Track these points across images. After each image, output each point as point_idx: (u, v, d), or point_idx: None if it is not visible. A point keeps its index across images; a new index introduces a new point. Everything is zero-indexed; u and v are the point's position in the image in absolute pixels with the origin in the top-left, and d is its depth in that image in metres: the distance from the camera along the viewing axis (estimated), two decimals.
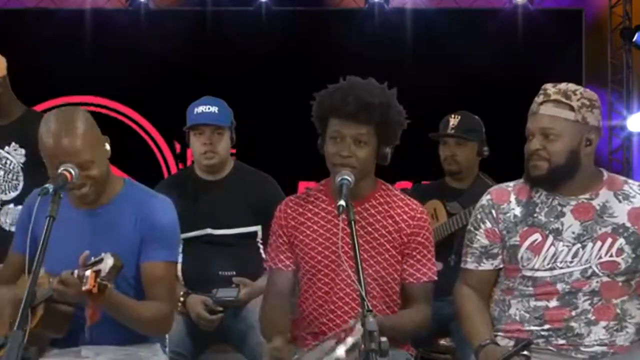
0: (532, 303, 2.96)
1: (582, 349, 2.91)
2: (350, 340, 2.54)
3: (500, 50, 7.52)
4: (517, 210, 3.00)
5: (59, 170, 2.81)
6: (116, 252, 2.84)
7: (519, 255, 2.97)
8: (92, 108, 6.98)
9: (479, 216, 3.06)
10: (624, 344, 2.93)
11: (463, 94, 6.83)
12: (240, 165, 4.24)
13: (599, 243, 2.92)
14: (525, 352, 2.82)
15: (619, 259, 2.91)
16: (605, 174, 3.02)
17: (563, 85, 2.94)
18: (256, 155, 5.16)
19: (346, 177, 2.88)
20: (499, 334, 3.01)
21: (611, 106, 7.73)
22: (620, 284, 2.93)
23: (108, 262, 2.66)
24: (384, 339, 2.45)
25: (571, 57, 7.59)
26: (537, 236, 2.96)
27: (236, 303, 3.87)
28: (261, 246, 3.99)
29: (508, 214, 3.01)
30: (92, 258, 2.72)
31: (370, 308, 2.52)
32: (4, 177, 4.05)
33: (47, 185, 2.70)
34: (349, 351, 2.54)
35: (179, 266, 3.86)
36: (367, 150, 3.02)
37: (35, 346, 2.86)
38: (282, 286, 3.16)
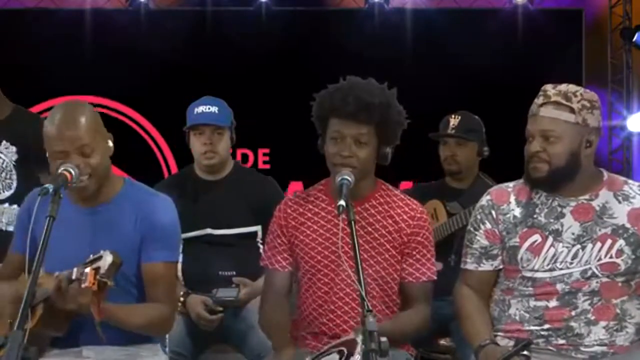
0: (532, 303, 2.96)
1: (582, 349, 2.91)
2: (357, 358, 2.53)
3: (500, 50, 7.52)
4: (517, 211, 3.00)
5: (59, 170, 2.81)
6: (116, 250, 2.85)
7: (519, 256, 2.97)
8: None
9: (478, 217, 3.06)
10: (624, 344, 2.93)
11: (463, 94, 6.83)
12: (240, 165, 4.24)
13: (598, 244, 2.91)
14: (525, 352, 2.82)
15: (618, 260, 2.91)
16: (605, 174, 3.01)
17: (563, 87, 2.93)
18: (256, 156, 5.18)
19: (346, 177, 2.88)
20: (499, 334, 3.01)
21: (611, 106, 7.73)
22: (620, 284, 2.93)
23: (107, 259, 2.66)
24: (384, 339, 2.45)
25: (571, 57, 7.59)
26: (536, 237, 2.96)
27: (236, 303, 3.87)
28: (261, 246, 3.98)
29: (508, 215, 3.01)
30: (91, 255, 2.72)
31: (370, 308, 2.52)
32: None
33: (47, 185, 2.70)
34: None
35: (179, 266, 3.86)
36: (367, 150, 3.02)
37: (36, 346, 2.85)
38: (279, 286, 3.16)
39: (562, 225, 2.94)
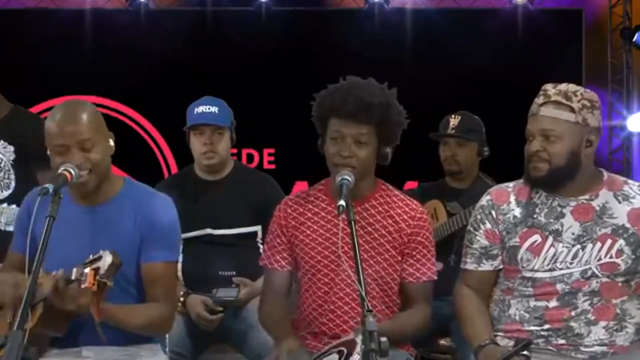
0: (532, 303, 2.95)
1: (582, 349, 2.91)
2: (356, 358, 2.54)
3: (500, 50, 7.52)
4: (517, 211, 3.00)
5: (59, 170, 2.82)
6: (116, 251, 2.85)
7: (519, 256, 2.96)
8: None
9: (478, 217, 3.06)
10: (624, 344, 2.93)
11: (463, 94, 6.83)
12: (240, 165, 4.24)
13: (598, 244, 2.91)
14: (525, 352, 2.81)
15: (618, 260, 2.91)
16: (605, 174, 3.01)
17: (563, 86, 2.93)
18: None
19: (346, 177, 2.88)
20: (499, 334, 3.01)
21: (611, 106, 7.73)
22: (620, 284, 2.93)
23: (107, 259, 2.66)
24: (384, 339, 2.45)
25: (571, 57, 7.59)
26: (536, 237, 2.96)
27: (236, 303, 3.87)
28: (261, 246, 3.98)
29: (508, 215, 3.01)
30: (91, 256, 2.72)
31: (370, 308, 2.52)
32: None
33: (47, 185, 2.70)
34: None
35: (179, 266, 3.86)
36: (367, 150, 3.02)
37: (35, 346, 2.85)
38: (278, 285, 3.16)
39: (562, 225, 2.94)
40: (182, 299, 3.83)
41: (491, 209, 3.03)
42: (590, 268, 2.91)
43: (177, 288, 3.45)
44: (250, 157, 7.69)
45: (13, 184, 3.99)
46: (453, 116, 4.42)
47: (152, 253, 2.96)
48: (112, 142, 3.02)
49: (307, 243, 3.12)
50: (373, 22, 7.65)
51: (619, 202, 2.94)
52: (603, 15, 7.83)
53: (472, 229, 3.08)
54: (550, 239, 2.94)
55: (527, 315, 2.96)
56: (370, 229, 3.09)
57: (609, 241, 2.91)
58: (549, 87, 2.94)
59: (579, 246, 2.92)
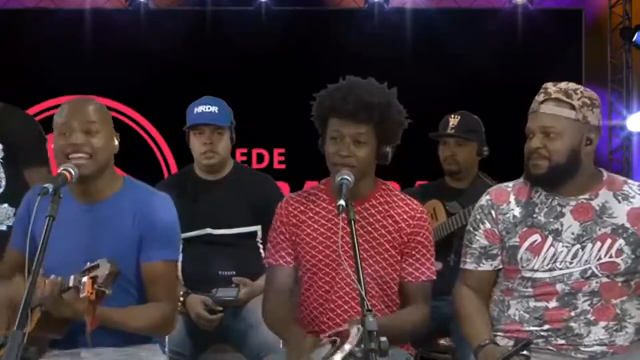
0: (532, 304, 2.95)
1: (582, 349, 2.91)
2: (347, 348, 2.54)
3: (500, 50, 7.52)
4: (517, 211, 3.00)
5: (59, 170, 2.82)
6: (115, 249, 2.86)
7: (519, 256, 2.96)
8: None
9: (478, 217, 3.06)
10: (624, 344, 2.93)
11: (463, 94, 6.83)
12: (240, 166, 4.24)
13: (598, 244, 2.91)
14: (525, 352, 2.81)
15: (618, 260, 2.91)
16: (605, 174, 3.01)
17: (564, 85, 2.94)
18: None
19: (346, 177, 2.88)
20: (499, 334, 3.01)
21: (611, 106, 7.73)
22: (620, 284, 2.93)
23: (105, 268, 2.65)
24: (384, 339, 2.45)
25: (571, 57, 7.58)
26: (536, 237, 2.96)
27: (236, 303, 3.87)
28: (261, 246, 3.98)
29: (508, 215, 3.00)
30: (88, 264, 2.71)
31: (370, 308, 2.52)
32: None
33: (47, 185, 2.70)
34: (346, 359, 2.53)
35: (179, 266, 3.86)
36: (366, 150, 3.02)
37: (35, 347, 2.85)
38: (282, 283, 3.15)
39: (562, 225, 2.94)
40: (182, 299, 3.83)
41: (491, 209, 3.03)
42: (590, 268, 2.91)
43: (178, 287, 3.44)
44: (260, 157, 7.70)
45: (3, 183, 3.98)
46: (453, 116, 4.42)
47: (152, 253, 2.96)
48: (116, 142, 3.04)
49: (308, 242, 3.12)
50: (373, 22, 7.65)
51: (619, 202, 2.94)
52: (603, 15, 7.82)
53: (471, 229, 3.08)
54: (550, 239, 2.94)
55: (527, 316, 2.95)
56: (370, 229, 3.09)
57: (609, 241, 2.91)
58: (550, 86, 2.95)
59: (579, 246, 2.92)
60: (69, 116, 2.95)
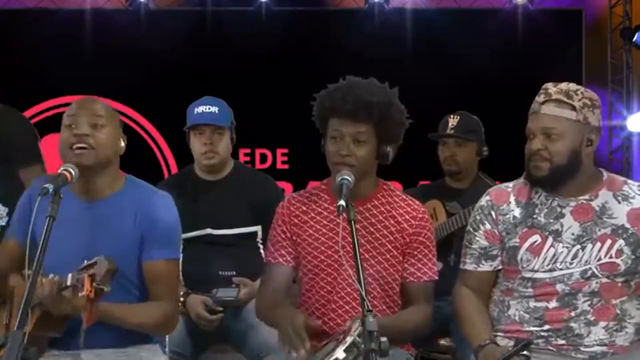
0: (532, 304, 2.95)
1: (582, 349, 2.91)
2: (348, 340, 2.55)
3: (500, 50, 7.52)
4: (517, 212, 3.00)
5: (59, 170, 2.82)
6: (115, 248, 2.87)
7: (519, 257, 2.96)
8: None
9: (478, 217, 3.06)
10: (624, 344, 2.93)
11: (463, 94, 6.83)
12: (240, 165, 4.24)
13: (598, 244, 2.91)
14: (525, 352, 2.81)
15: (618, 260, 2.91)
16: (605, 174, 3.01)
17: (564, 85, 2.94)
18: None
19: (346, 177, 2.88)
20: (499, 334, 3.01)
21: (611, 106, 7.73)
22: (619, 284, 2.93)
23: (103, 265, 2.65)
24: (384, 339, 2.45)
25: (571, 57, 7.59)
26: (536, 237, 2.96)
27: (236, 303, 3.87)
28: (261, 246, 3.99)
29: (507, 216, 3.00)
30: (85, 261, 2.71)
31: (370, 308, 2.52)
32: None
33: (47, 185, 2.70)
34: (347, 350, 2.54)
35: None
36: (366, 149, 3.02)
37: (35, 346, 2.86)
38: (279, 282, 3.14)
39: (562, 226, 2.94)
40: (182, 299, 3.83)
41: (491, 209, 3.03)
42: (590, 268, 2.91)
43: (179, 287, 3.45)
44: (263, 157, 7.70)
45: None
46: (452, 116, 4.42)
47: (153, 252, 2.96)
48: (123, 143, 3.06)
49: (309, 242, 3.12)
50: (373, 22, 7.65)
51: (619, 202, 2.94)
52: (603, 15, 7.83)
53: (471, 230, 3.08)
54: (550, 239, 2.94)
55: (527, 316, 2.95)
56: (372, 229, 3.09)
57: (609, 241, 2.91)
58: (550, 86, 2.94)
59: (578, 246, 2.92)
60: (77, 110, 2.99)
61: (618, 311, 2.92)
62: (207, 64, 7.49)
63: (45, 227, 2.62)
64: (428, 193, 4.44)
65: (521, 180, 3.05)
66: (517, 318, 2.98)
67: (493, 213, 3.02)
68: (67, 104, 3.11)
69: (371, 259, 3.06)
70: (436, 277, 3.13)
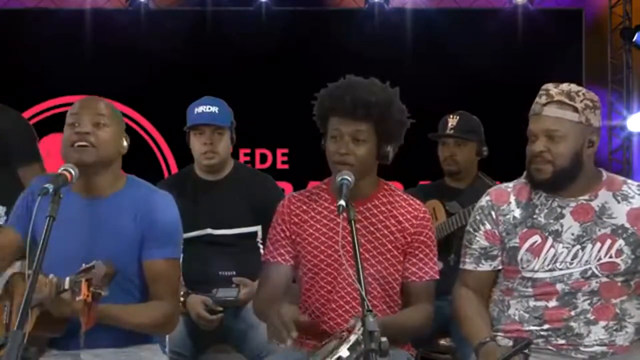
0: (532, 303, 2.95)
1: (582, 349, 2.91)
2: (352, 338, 2.55)
3: (500, 50, 7.52)
4: (517, 212, 2.99)
5: (59, 170, 2.82)
6: (115, 247, 2.88)
7: (519, 257, 2.96)
8: None
9: (477, 217, 3.06)
10: (624, 343, 2.93)
11: (463, 94, 6.84)
12: (240, 165, 4.24)
13: (598, 244, 2.91)
14: (525, 351, 2.81)
15: (618, 260, 2.91)
16: (605, 174, 3.01)
17: (565, 86, 2.93)
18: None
19: (346, 177, 2.87)
20: (499, 334, 3.00)
21: (611, 106, 7.73)
22: (619, 284, 2.93)
23: (100, 269, 2.65)
24: (384, 339, 2.45)
25: (571, 57, 7.59)
26: (536, 238, 2.95)
27: (236, 303, 3.87)
28: (261, 246, 3.98)
29: (508, 216, 3.00)
30: (83, 265, 2.71)
31: (371, 308, 2.52)
32: None
33: (47, 185, 2.70)
34: (351, 349, 2.54)
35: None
36: (366, 148, 3.01)
37: (35, 346, 2.85)
38: (277, 280, 3.14)
39: (561, 226, 2.94)
40: (182, 299, 3.83)
41: (491, 209, 3.03)
42: (590, 268, 2.91)
43: (180, 286, 3.45)
44: (263, 157, 7.70)
45: None
46: (451, 116, 4.42)
47: (153, 250, 2.96)
48: (125, 143, 3.06)
49: (309, 242, 3.11)
50: (373, 22, 7.66)
51: (618, 202, 2.94)
52: (603, 15, 7.83)
53: (471, 230, 3.07)
54: (550, 240, 2.94)
55: (527, 315, 2.95)
56: (372, 229, 3.08)
57: (609, 241, 2.91)
58: (551, 87, 2.93)
59: (578, 246, 2.92)
60: (79, 109, 3.00)
61: (618, 310, 2.92)
62: (207, 64, 7.50)
63: (45, 227, 2.62)
64: (428, 193, 4.44)
65: (521, 180, 3.04)
66: (516, 317, 2.97)
67: (493, 213, 3.02)
68: (66, 104, 3.12)
69: (371, 258, 3.05)
70: (437, 277, 3.13)
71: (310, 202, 3.16)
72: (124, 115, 3.22)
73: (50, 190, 2.68)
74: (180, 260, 3.12)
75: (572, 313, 2.91)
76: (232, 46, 7.46)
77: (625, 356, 2.93)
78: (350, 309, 3.06)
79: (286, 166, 7.70)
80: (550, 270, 2.93)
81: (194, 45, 7.56)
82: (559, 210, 2.95)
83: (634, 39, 7.47)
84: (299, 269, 3.15)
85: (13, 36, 7.51)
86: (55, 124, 7.30)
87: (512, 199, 3.02)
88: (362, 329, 2.52)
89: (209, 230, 3.99)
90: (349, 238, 2.72)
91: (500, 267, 3.04)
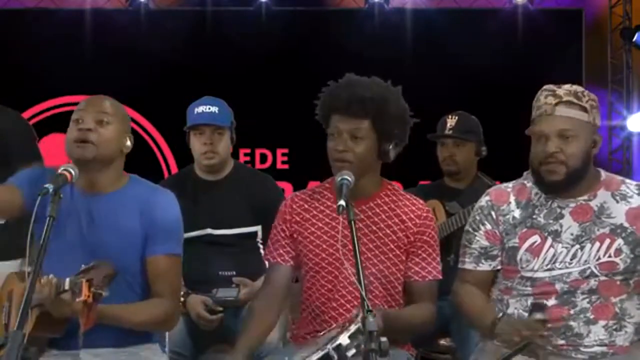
0: (531, 302, 2.95)
1: (582, 349, 2.91)
2: (353, 327, 2.54)
3: (500, 50, 7.53)
4: (517, 212, 2.99)
5: (59, 170, 2.82)
6: (116, 245, 2.88)
7: (518, 257, 2.96)
8: None
9: (477, 217, 3.05)
10: (624, 344, 2.93)
11: (463, 94, 6.84)
12: (240, 165, 4.24)
13: (597, 244, 2.91)
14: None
15: (617, 260, 2.91)
16: (603, 174, 3.01)
17: (569, 87, 2.92)
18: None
19: (346, 177, 2.87)
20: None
21: (611, 106, 7.73)
22: (618, 282, 2.93)
23: (101, 270, 2.65)
24: (384, 339, 2.45)
25: (571, 57, 7.59)
26: (536, 238, 2.95)
27: (236, 303, 3.86)
28: (261, 246, 3.98)
29: (507, 216, 3.00)
30: (83, 265, 2.71)
31: (371, 308, 2.51)
32: None
33: (47, 185, 2.70)
34: (351, 337, 2.54)
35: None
36: (364, 145, 3.01)
37: (35, 346, 2.85)
38: (277, 281, 3.15)
39: (561, 226, 2.94)
40: (182, 299, 3.83)
41: (491, 209, 3.03)
42: (589, 267, 2.91)
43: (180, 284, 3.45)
44: (263, 157, 7.71)
45: None
46: (450, 117, 4.42)
47: (156, 246, 2.96)
48: (129, 142, 3.06)
49: (311, 240, 3.11)
50: (373, 22, 7.66)
51: (617, 202, 2.94)
52: (603, 15, 7.83)
53: (471, 230, 3.07)
54: (549, 240, 2.94)
55: (526, 314, 2.95)
56: (375, 228, 3.08)
57: (608, 241, 2.91)
58: (555, 88, 2.92)
59: (578, 246, 2.92)
60: (84, 106, 3.01)
61: (617, 310, 2.92)
62: (207, 64, 7.50)
63: (46, 227, 2.62)
64: (427, 193, 4.43)
65: (521, 180, 3.04)
66: (516, 317, 2.97)
67: (493, 213, 3.02)
68: (66, 104, 3.13)
69: (374, 257, 3.05)
70: (440, 277, 3.12)
71: (313, 201, 3.16)
72: None
73: (50, 190, 2.68)
74: (181, 257, 3.12)
75: (572, 312, 2.91)
76: (232, 46, 7.47)
77: (626, 357, 2.93)
78: (351, 308, 3.05)
79: (286, 166, 7.70)
80: (549, 269, 2.93)
81: (194, 45, 7.57)
82: (558, 210, 2.95)
83: (634, 39, 7.48)
84: (301, 268, 3.16)
85: (13, 36, 7.52)
86: (55, 124, 7.33)
87: (512, 199, 3.01)
88: (361, 316, 2.51)
89: (209, 230, 3.99)
90: (350, 237, 2.71)
91: (499, 267, 3.04)
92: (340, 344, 2.54)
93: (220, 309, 3.84)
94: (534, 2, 7.69)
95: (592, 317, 2.91)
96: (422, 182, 5.31)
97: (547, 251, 2.93)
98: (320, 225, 3.12)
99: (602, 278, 2.91)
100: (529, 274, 2.95)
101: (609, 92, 7.73)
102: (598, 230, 2.92)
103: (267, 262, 3.22)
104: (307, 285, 3.14)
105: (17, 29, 7.56)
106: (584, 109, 2.88)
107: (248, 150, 7.61)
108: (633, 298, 2.96)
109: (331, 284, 3.09)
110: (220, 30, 7.58)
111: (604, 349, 2.91)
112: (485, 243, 3.03)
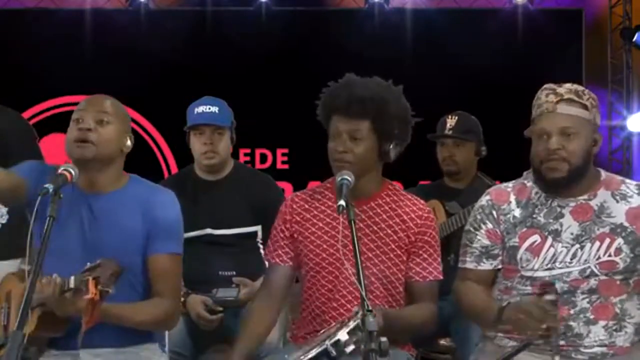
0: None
1: (582, 349, 2.91)
2: (352, 324, 2.54)
3: (500, 50, 7.53)
4: (517, 212, 2.99)
5: (59, 170, 2.82)
6: (117, 244, 2.88)
7: (518, 257, 2.96)
8: None
9: (478, 217, 3.05)
10: (624, 344, 2.92)
11: (463, 94, 6.84)
12: (240, 165, 4.24)
13: (597, 243, 2.91)
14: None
15: (617, 259, 2.91)
16: (603, 174, 3.01)
17: (569, 85, 2.93)
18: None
19: (346, 177, 2.86)
20: (499, 334, 3.00)
21: (611, 106, 7.74)
22: (618, 282, 2.92)
23: (107, 268, 2.65)
24: (383, 338, 2.44)
25: (571, 57, 7.60)
26: (536, 237, 2.95)
27: (236, 303, 3.86)
28: (261, 246, 3.99)
29: (508, 215, 3.00)
30: (88, 264, 2.71)
31: (370, 308, 2.51)
32: None
33: (47, 185, 2.70)
34: (350, 333, 2.54)
35: None
36: (364, 145, 3.01)
37: (35, 346, 2.85)
38: (277, 283, 3.15)
39: (561, 226, 2.94)
40: (182, 299, 3.83)
41: (491, 209, 3.03)
42: (589, 267, 2.91)
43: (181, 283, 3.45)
44: (263, 157, 7.71)
45: None
46: (450, 117, 4.42)
47: (157, 245, 2.97)
48: (129, 142, 3.07)
49: (311, 240, 3.11)
50: (373, 22, 7.66)
51: (617, 202, 2.94)
52: (603, 15, 7.83)
53: (472, 229, 3.07)
54: (549, 239, 2.94)
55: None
56: (375, 228, 3.08)
57: (608, 240, 2.91)
58: (555, 86, 2.93)
59: (578, 246, 2.92)
60: (85, 106, 3.02)
61: (617, 310, 2.92)
62: (207, 64, 7.50)
63: (46, 227, 2.62)
64: (427, 193, 4.43)
65: (521, 180, 3.04)
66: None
67: (494, 212, 3.02)
68: (66, 104, 3.13)
69: (374, 257, 3.05)
70: (441, 277, 3.12)
71: (313, 200, 3.16)
72: None
73: (50, 190, 2.68)
74: (182, 257, 3.13)
75: (572, 312, 2.91)
76: (232, 46, 7.47)
77: (626, 357, 2.92)
78: (352, 308, 3.04)
79: (286, 166, 7.71)
80: (549, 269, 2.93)
81: (194, 45, 7.57)
82: (558, 209, 2.95)
83: (634, 39, 7.48)
84: (302, 268, 3.15)
85: (13, 36, 7.52)
86: (55, 124, 7.33)
87: (512, 198, 3.01)
88: (361, 314, 2.51)
89: (208, 230, 3.99)
90: (351, 237, 2.71)
91: (500, 267, 3.04)
92: (338, 340, 2.54)
93: (220, 309, 3.84)
94: (534, 2, 7.70)
95: (592, 317, 2.90)
96: (422, 182, 5.31)
97: (547, 250, 2.93)
98: (321, 225, 3.12)
99: (602, 277, 2.90)
100: (529, 274, 2.95)
101: (609, 92, 7.74)
102: (598, 229, 2.92)
103: (267, 263, 3.22)
104: (308, 285, 3.14)
105: (17, 29, 7.57)
106: (585, 107, 2.89)
107: (248, 150, 7.61)
108: (633, 298, 2.96)
109: (331, 284, 3.09)
110: (220, 30, 7.58)
111: (604, 349, 2.91)
112: (486, 242, 3.03)
